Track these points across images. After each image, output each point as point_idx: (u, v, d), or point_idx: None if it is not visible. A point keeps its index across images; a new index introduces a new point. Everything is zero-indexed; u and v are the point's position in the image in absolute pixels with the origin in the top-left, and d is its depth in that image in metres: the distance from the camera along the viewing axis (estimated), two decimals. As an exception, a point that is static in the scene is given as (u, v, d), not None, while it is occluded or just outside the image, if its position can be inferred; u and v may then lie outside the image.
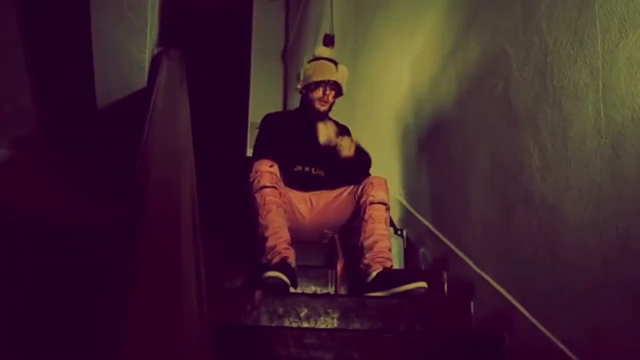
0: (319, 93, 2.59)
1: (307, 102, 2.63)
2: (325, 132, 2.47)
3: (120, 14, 2.50)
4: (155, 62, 2.93)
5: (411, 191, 2.95)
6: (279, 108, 6.82)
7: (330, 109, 2.66)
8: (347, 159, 2.48)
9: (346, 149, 2.47)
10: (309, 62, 2.66)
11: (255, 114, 6.80)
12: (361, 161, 2.56)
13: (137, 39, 2.64)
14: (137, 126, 2.04)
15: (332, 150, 2.57)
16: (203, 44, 6.69)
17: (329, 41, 4.34)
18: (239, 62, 7.11)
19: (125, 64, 2.77)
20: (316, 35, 5.27)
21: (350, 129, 2.80)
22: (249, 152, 6.23)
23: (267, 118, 2.68)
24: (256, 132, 2.71)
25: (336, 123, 2.76)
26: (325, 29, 4.68)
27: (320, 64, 2.59)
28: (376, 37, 3.72)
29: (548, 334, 1.68)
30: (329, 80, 2.58)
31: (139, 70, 2.83)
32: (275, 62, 7.29)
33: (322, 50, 2.72)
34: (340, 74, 2.60)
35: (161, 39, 3.48)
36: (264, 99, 6.94)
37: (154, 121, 1.90)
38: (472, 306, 2.09)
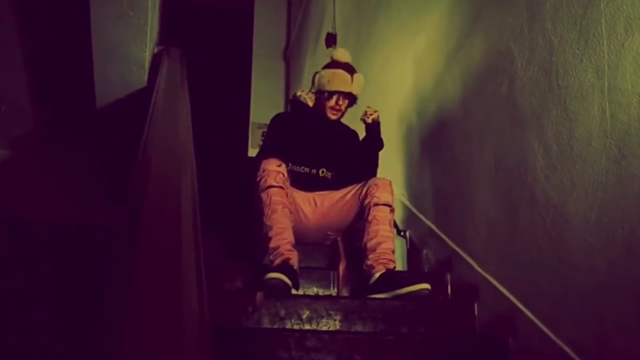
0: (331, 102, 2.56)
1: (319, 106, 2.60)
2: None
3: (120, 12, 2.49)
4: (156, 60, 2.93)
5: (414, 192, 2.93)
6: (281, 107, 6.80)
7: (342, 116, 2.63)
8: (364, 121, 2.64)
9: (370, 112, 2.62)
10: (325, 67, 2.62)
11: (257, 113, 6.78)
12: (373, 138, 2.62)
13: (137, 38, 2.62)
14: (137, 125, 2.02)
15: (341, 152, 2.57)
16: (204, 42, 6.68)
17: (331, 40, 4.32)
18: (240, 60, 7.10)
19: (125, 62, 2.76)
20: (318, 33, 5.26)
21: (353, 129, 2.78)
22: (250, 152, 6.21)
23: (277, 117, 2.66)
24: (258, 131, 2.71)
25: (346, 127, 2.74)
26: (327, 28, 4.67)
27: (335, 74, 2.54)
28: (379, 35, 3.71)
29: (553, 336, 1.67)
30: (343, 91, 2.55)
31: (139, 69, 2.82)
32: (277, 61, 7.27)
33: (340, 54, 2.65)
34: (355, 85, 2.55)
35: (161, 38, 3.47)
36: (265, 98, 6.92)
37: (154, 120, 1.88)
38: (475, 308, 2.08)
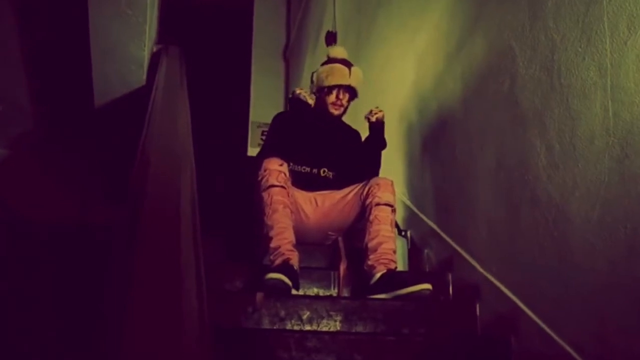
0: (332, 97, 2.56)
1: (320, 105, 2.60)
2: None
3: (118, 11, 2.48)
4: (154, 59, 2.92)
5: (415, 191, 2.92)
6: (280, 106, 6.79)
7: (344, 112, 2.62)
8: (368, 120, 2.63)
9: (375, 111, 2.60)
10: (323, 64, 2.62)
11: (257, 112, 6.77)
12: (376, 138, 2.61)
13: (135, 36, 2.61)
14: (136, 124, 2.02)
15: (343, 151, 2.56)
16: (203, 41, 6.67)
17: (331, 39, 4.31)
18: (240, 59, 7.09)
19: (123, 61, 2.75)
20: (318, 32, 5.25)
21: (353, 128, 2.77)
22: (250, 151, 6.20)
23: (278, 117, 2.65)
24: (257, 130, 2.69)
25: (347, 127, 2.73)
26: (327, 26, 4.66)
27: (333, 68, 2.55)
28: (379, 34, 3.70)
29: (555, 336, 1.66)
30: (342, 85, 2.54)
31: (138, 67, 2.81)
32: (277, 60, 7.26)
33: (336, 51, 2.67)
34: (353, 78, 2.56)
35: (160, 36, 3.46)
36: (265, 98, 6.91)
37: (153, 120, 1.88)
38: (477, 308, 2.07)
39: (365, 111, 2.65)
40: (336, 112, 2.58)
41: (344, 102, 2.57)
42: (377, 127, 2.62)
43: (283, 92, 7.14)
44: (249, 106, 6.94)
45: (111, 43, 2.65)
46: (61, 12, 3.15)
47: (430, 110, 2.76)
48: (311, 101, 2.57)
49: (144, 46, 2.71)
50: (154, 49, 3.07)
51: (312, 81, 2.65)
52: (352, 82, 2.55)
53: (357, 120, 2.75)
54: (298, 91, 2.61)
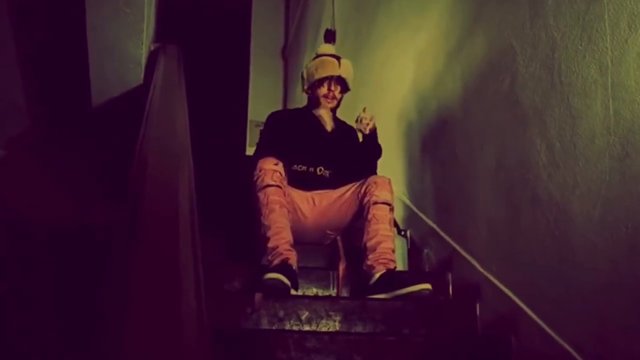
0: (324, 90, 2.56)
1: (313, 100, 2.60)
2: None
3: (116, 9, 2.47)
4: (152, 58, 2.90)
5: (415, 191, 2.91)
6: (279, 105, 6.80)
7: (338, 105, 2.63)
8: (360, 131, 2.57)
9: (366, 120, 2.51)
10: (312, 60, 2.63)
11: (255, 111, 6.77)
12: (372, 147, 2.58)
13: (133, 35, 2.60)
14: (134, 124, 2.01)
15: (339, 149, 2.56)
16: (201, 40, 6.66)
17: (330, 37, 4.31)
18: (238, 58, 7.08)
19: (121, 60, 2.73)
20: (317, 31, 5.25)
21: (349, 124, 2.77)
22: (248, 151, 6.20)
23: (273, 115, 2.65)
24: (256, 130, 2.70)
25: (343, 123, 2.73)
26: (326, 25, 4.66)
27: (322, 61, 2.58)
28: (379, 33, 3.69)
29: (555, 336, 1.66)
30: (332, 76, 2.54)
31: (136, 66, 2.80)
32: (275, 59, 7.26)
33: (324, 48, 2.71)
34: (343, 69, 2.57)
35: (158, 35, 3.45)
36: (263, 96, 6.92)
37: (151, 119, 1.87)
38: (477, 308, 2.06)
39: (356, 116, 2.64)
40: (329, 105, 2.58)
41: (336, 93, 2.58)
42: (370, 136, 2.57)
43: (282, 91, 7.14)
44: (248, 105, 6.95)
45: (109, 41, 2.63)
46: (59, 11, 3.14)
47: (430, 109, 2.75)
48: (329, 127, 2.62)
49: (142, 44, 2.70)
50: (152, 48, 3.05)
51: (302, 78, 2.66)
52: (342, 72, 2.56)
53: (354, 116, 2.74)
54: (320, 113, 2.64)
